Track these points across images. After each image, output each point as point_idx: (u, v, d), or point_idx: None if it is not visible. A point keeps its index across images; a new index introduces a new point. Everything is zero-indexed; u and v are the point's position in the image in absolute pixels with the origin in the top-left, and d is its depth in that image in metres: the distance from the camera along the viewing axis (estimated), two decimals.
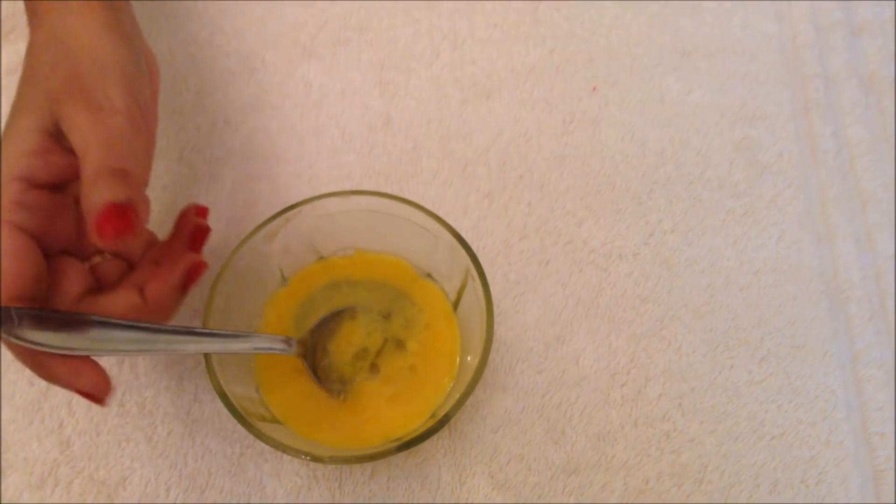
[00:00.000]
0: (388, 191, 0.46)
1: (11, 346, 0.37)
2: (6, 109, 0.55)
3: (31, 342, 0.36)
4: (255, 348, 0.43)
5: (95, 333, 0.37)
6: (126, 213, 0.36)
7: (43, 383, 0.47)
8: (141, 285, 0.40)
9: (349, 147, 0.54)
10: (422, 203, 0.45)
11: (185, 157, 0.54)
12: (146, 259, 0.42)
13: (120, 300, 0.39)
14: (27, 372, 0.47)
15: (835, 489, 0.45)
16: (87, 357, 0.38)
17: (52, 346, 0.36)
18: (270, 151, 0.54)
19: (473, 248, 0.44)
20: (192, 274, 0.42)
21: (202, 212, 0.45)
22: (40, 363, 0.37)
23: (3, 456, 0.46)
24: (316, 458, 0.40)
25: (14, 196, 0.37)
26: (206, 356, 0.41)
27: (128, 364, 0.48)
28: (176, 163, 0.54)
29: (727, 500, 0.45)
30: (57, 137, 0.38)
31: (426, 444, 0.46)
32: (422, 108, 0.55)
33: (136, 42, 0.43)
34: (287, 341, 0.44)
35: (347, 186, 0.48)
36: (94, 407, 0.47)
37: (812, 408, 0.47)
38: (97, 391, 0.38)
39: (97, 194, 0.36)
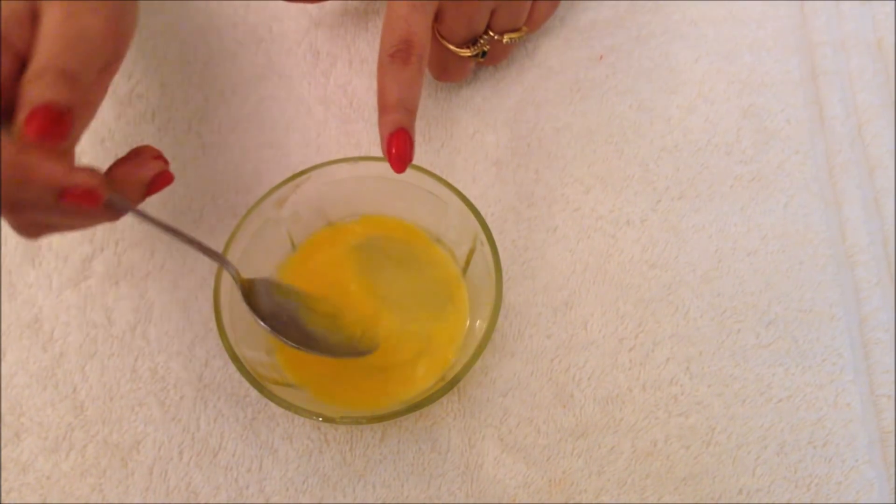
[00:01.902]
0: None
1: None
2: None
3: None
4: (201, 249, 0.41)
5: None
6: (61, 119, 0.34)
7: (57, 348, 0.48)
8: (110, 168, 0.39)
9: (357, 115, 0.54)
10: (430, 170, 0.45)
11: (194, 127, 0.54)
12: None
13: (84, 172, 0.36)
14: (41, 337, 0.47)
15: (842, 450, 0.45)
16: None
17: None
18: (279, 121, 0.54)
19: (482, 214, 0.44)
20: (160, 179, 0.40)
21: (161, 158, 0.42)
22: (25, 163, 0.33)
23: (18, 421, 0.47)
24: (327, 419, 0.41)
25: None
26: (219, 321, 0.42)
27: (139, 330, 0.48)
28: (185, 133, 0.54)
29: (735, 462, 0.45)
30: (34, 17, 0.36)
31: (436, 407, 0.46)
32: (429, 75, 0.55)
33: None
34: (232, 267, 0.43)
35: (356, 154, 0.48)
36: (107, 373, 0.47)
37: (819, 371, 0.47)
38: (94, 185, 0.35)
39: (38, 90, 0.34)
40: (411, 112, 0.43)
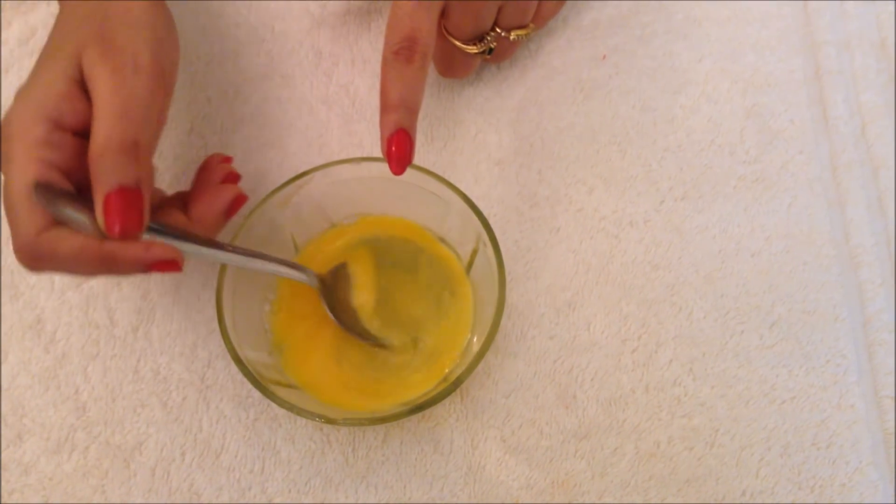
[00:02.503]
0: None
1: (80, 252, 0.37)
2: (15, 80, 0.55)
3: (68, 218, 0.37)
4: (276, 271, 0.44)
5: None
6: (133, 202, 0.37)
7: (59, 349, 0.48)
8: (188, 207, 0.42)
9: (360, 115, 0.54)
10: (433, 170, 0.45)
11: (196, 127, 0.54)
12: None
13: (167, 217, 0.41)
14: (43, 338, 0.47)
15: (846, 452, 0.45)
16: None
17: (85, 225, 0.37)
18: (281, 121, 0.54)
19: (484, 215, 0.44)
20: (236, 204, 0.44)
21: (228, 160, 0.46)
22: (110, 253, 0.37)
23: (20, 422, 0.47)
24: (329, 421, 0.41)
25: (42, 135, 0.37)
26: (221, 322, 0.42)
27: (142, 331, 0.48)
28: (187, 134, 0.54)
29: (738, 464, 0.45)
30: (82, 86, 0.39)
31: (439, 408, 0.46)
32: (432, 76, 0.55)
33: (166, 6, 0.44)
34: (308, 272, 0.45)
35: (358, 154, 0.48)
36: (109, 374, 0.47)
37: (823, 372, 0.47)
38: (175, 256, 0.39)
39: (106, 170, 0.37)
40: (413, 111, 0.43)
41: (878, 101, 0.54)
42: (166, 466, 0.46)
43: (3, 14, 0.57)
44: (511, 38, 0.50)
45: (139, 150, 0.37)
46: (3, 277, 0.50)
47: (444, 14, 0.46)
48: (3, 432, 0.46)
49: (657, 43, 0.56)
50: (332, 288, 0.47)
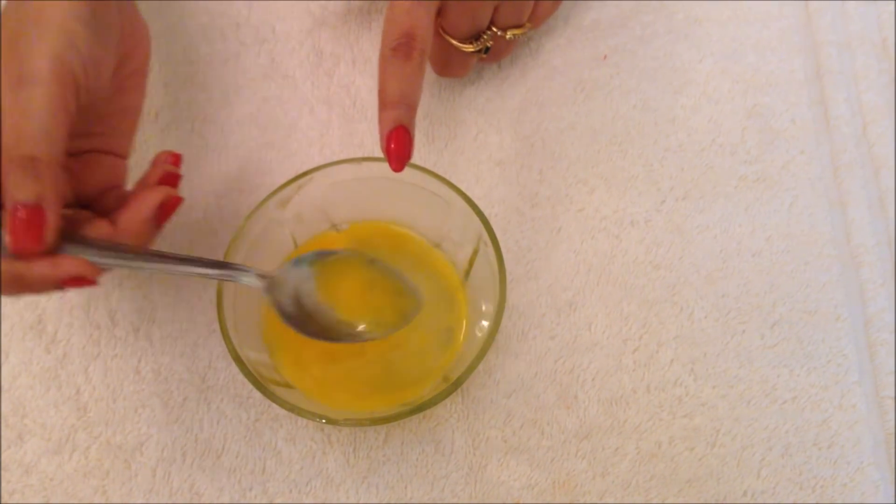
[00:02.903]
0: None
1: None
2: None
3: None
4: (208, 274, 0.41)
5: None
6: (32, 225, 0.35)
7: (60, 350, 0.48)
8: (113, 217, 0.40)
9: (361, 116, 0.54)
10: (434, 171, 0.45)
11: (197, 128, 0.54)
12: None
13: (92, 229, 0.39)
14: (44, 338, 0.47)
15: (847, 452, 0.45)
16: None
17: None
18: (282, 121, 0.54)
19: (485, 215, 0.44)
20: (166, 208, 0.41)
21: (175, 159, 0.44)
22: (16, 273, 0.36)
23: (21, 422, 0.47)
24: (330, 421, 0.41)
25: None
26: (222, 323, 0.42)
27: (143, 331, 0.48)
28: (188, 133, 0.54)
29: (739, 464, 0.45)
30: None
31: (440, 408, 0.46)
32: (432, 76, 0.55)
33: (108, 3, 0.41)
34: (248, 272, 0.42)
35: (359, 154, 0.48)
36: (111, 374, 0.47)
37: (824, 372, 0.47)
38: (86, 271, 0.37)
39: (8, 189, 0.35)
40: (412, 108, 0.43)
41: (879, 101, 0.54)
42: (167, 467, 0.46)
43: (2, 11, 0.57)
44: (507, 37, 0.50)
45: (37, 165, 0.36)
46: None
47: (440, 13, 0.46)
48: (3, 432, 0.46)
49: (658, 43, 0.56)
50: (286, 285, 0.44)
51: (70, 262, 0.37)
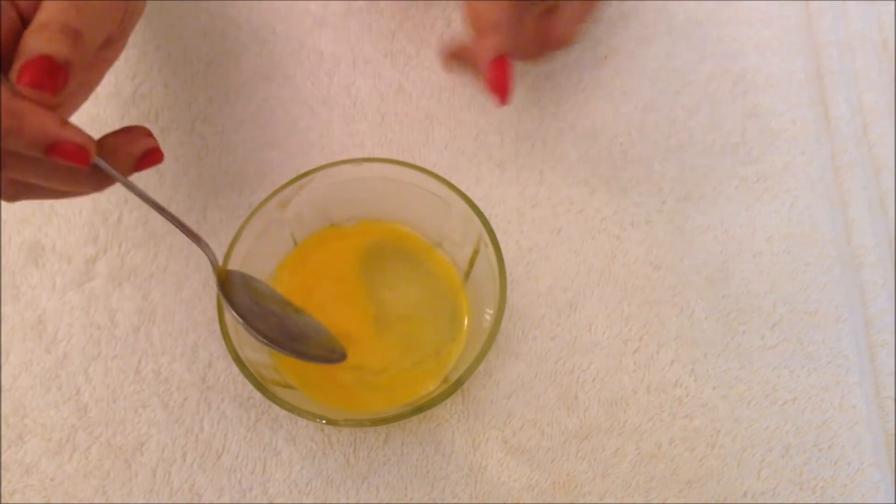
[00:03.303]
0: (401, 159, 0.46)
1: None
2: None
3: None
4: (187, 232, 0.41)
5: None
6: (57, 72, 0.33)
7: (60, 350, 0.48)
8: (101, 139, 0.38)
9: (361, 116, 0.54)
10: (434, 171, 0.45)
11: (197, 128, 0.54)
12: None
13: (73, 128, 0.35)
14: (44, 339, 0.47)
15: (847, 453, 0.45)
16: None
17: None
18: (282, 121, 0.54)
19: (486, 215, 0.44)
20: (151, 156, 0.39)
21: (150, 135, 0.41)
22: (18, 109, 0.33)
23: (22, 422, 0.47)
24: (330, 422, 0.41)
25: None
26: (222, 323, 0.42)
27: (143, 332, 0.48)
28: (188, 134, 0.54)
29: (740, 464, 0.45)
30: None
31: (440, 409, 0.46)
32: (433, 77, 0.55)
33: None
34: (205, 247, 0.42)
35: (360, 155, 0.48)
36: (111, 374, 0.47)
37: (825, 373, 0.47)
38: (85, 141, 0.34)
39: (38, 41, 0.33)
40: (512, 37, 0.40)
41: (879, 101, 0.54)
42: (167, 467, 0.46)
43: (2, 11, 0.57)
44: None
45: (79, 39, 0.34)
46: (3, 278, 0.50)
47: None
48: (4, 433, 0.46)
49: (659, 43, 0.56)
50: (236, 286, 0.43)
51: (75, 130, 0.34)
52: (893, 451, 0.45)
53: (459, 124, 0.54)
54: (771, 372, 0.47)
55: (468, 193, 0.45)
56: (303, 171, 0.46)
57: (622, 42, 0.56)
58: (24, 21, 0.35)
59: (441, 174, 0.45)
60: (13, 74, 0.33)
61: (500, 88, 0.40)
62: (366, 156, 0.47)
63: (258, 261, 0.45)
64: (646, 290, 0.49)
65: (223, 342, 0.41)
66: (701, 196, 0.51)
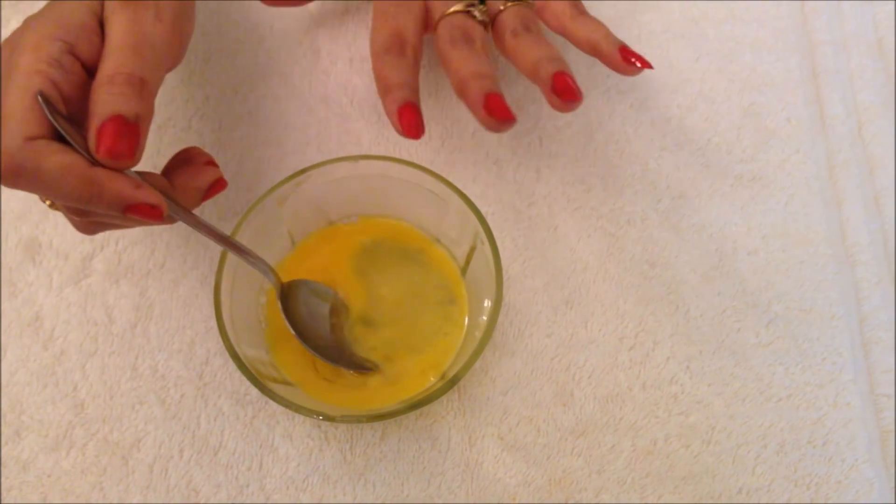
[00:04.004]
0: (397, 157, 0.46)
1: (64, 170, 0.35)
2: None
3: (65, 131, 0.35)
4: (247, 257, 0.43)
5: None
6: (129, 134, 0.35)
7: (57, 347, 0.48)
8: (170, 178, 0.40)
9: (358, 114, 0.54)
10: (430, 169, 0.45)
11: (194, 125, 0.54)
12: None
13: (150, 178, 0.39)
14: (41, 335, 0.47)
15: (842, 449, 0.45)
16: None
17: (80, 146, 0.35)
18: (279, 119, 0.54)
19: (482, 213, 0.44)
20: (216, 186, 0.42)
21: (213, 162, 0.44)
22: (96, 178, 0.35)
23: (18, 419, 0.47)
24: (328, 418, 0.41)
25: (55, 53, 0.36)
26: (219, 319, 0.42)
27: (140, 328, 0.48)
28: (184, 131, 0.54)
29: (734, 461, 0.45)
30: (101, 24, 0.38)
31: (436, 406, 0.46)
32: (430, 74, 0.55)
33: None
34: (272, 273, 0.44)
35: (356, 153, 0.48)
36: (108, 371, 0.48)
37: (819, 370, 0.47)
38: (159, 201, 0.37)
39: (109, 99, 0.35)
40: (415, 91, 0.43)
41: (874, 100, 0.54)
42: (164, 463, 0.46)
43: (2, 12, 0.57)
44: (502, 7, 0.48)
45: (145, 88, 0.36)
46: (1, 275, 0.50)
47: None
48: (1, 429, 0.46)
49: (655, 42, 0.56)
50: (295, 298, 0.46)
51: (150, 190, 0.37)
52: (887, 448, 0.45)
53: (456, 122, 0.54)
54: (766, 369, 0.47)
55: (465, 191, 0.45)
56: (300, 168, 0.46)
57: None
58: (89, 70, 0.37)
59: (438, 172, 0.45)
60: (90, 139, 0.35)
61: (410, 127, 0.43)
62: (363, 153, 0.47)
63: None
64: (641, 288, 0.49)
65: (220, 339, 0.41)
66: (696, 194, 0.52)
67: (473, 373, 0.47)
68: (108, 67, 0.36)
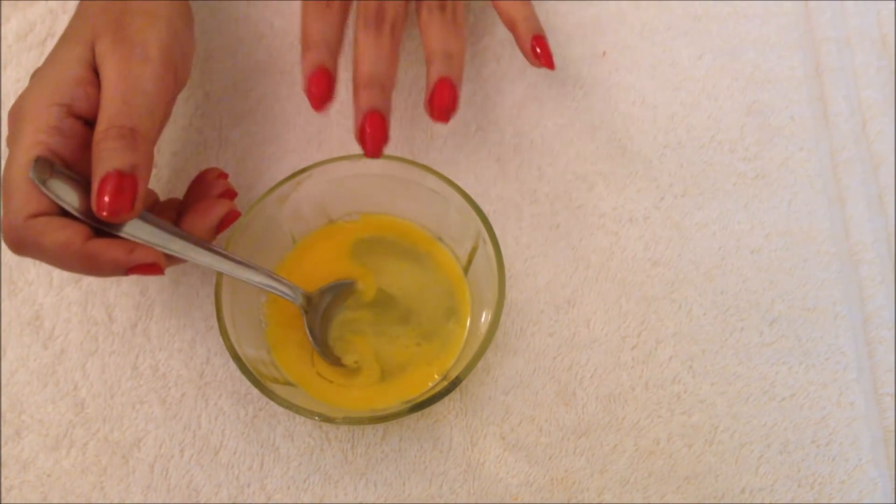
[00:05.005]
0: (399, 155, 0.46)
1: (62, 248, 0.37)
2: (14, 75, 0.55)
3: (59, 196, 0.37)
4: (262, 283, 0.43)
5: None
6: (127, 187, 0.37)
7: (58, 346, 0.48)
8: (180, 216, 0.42)
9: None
10: (432, 167, 0.45)
11: (195, 123, 0.54)
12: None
13: (160, 215, 0.41)
14: (41, 334, 0.47)
15: (845, 449, 0.45)
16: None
17: (74, 207, 0.37)
18: (280, 117, 0.54)
19: (484, 212, 0.44)
20: (227, 220, 0.43)
21: (224, 176, 0.46)
22: (92, 252, 0.37)
23: (19, 418, 0.47)
24: (328, 419, 0.41)
25: (53, 121, 0.38)
26: (220, 319, 0.42)
27: (140, 328, 0.48)
28: (184, 129, 0.54)
29: (738, 461, 0.45)
30: (96, 72, 0.40)
31: (438, 405, 0.46)
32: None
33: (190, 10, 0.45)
34: (294, 289, 0.44)
35: (358, 151, 0.48)
36: (108, 370, 0.47)
37: (823, 369, 0.47)
38: (155, 258, 0.39)
39: (105, 156, 0.37)
40: (333, 51, 0.43)
41: (878, 97, 0.54)
42: (165, 463, 0.45)
43: (1, 10, 0.57)
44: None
45: (136, 137, 0.38)
46: (1, 273, 0.50)
47: None
48: (1, 429, 0.46)
49: (657, 39, 0.56)
50: (319, 307, 0.46)
51: (144, 250, 0.39)
52: (891, 448, 0.45)
53: (458, 120, 0.54)
54: (769, 368, 0.47)
55: (466, 190, 0.44)
56: (300, 167, 0.46)
57: (620, 38, 0.56)
58: (89, 122, 0.39)
59: (439, 170, 0.45)
60: (92, 199, 0.37)
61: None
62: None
63: (257, 258, 0.45)
64: (644, 287, 0.49)
65: (221, 338, 0.41)
66: (699, 192, 0.51)
67: (475, 372, 0.47)
68: (101, 122, 0.38)
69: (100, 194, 0.37)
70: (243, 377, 0.41)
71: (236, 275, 0.42)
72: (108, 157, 0.37)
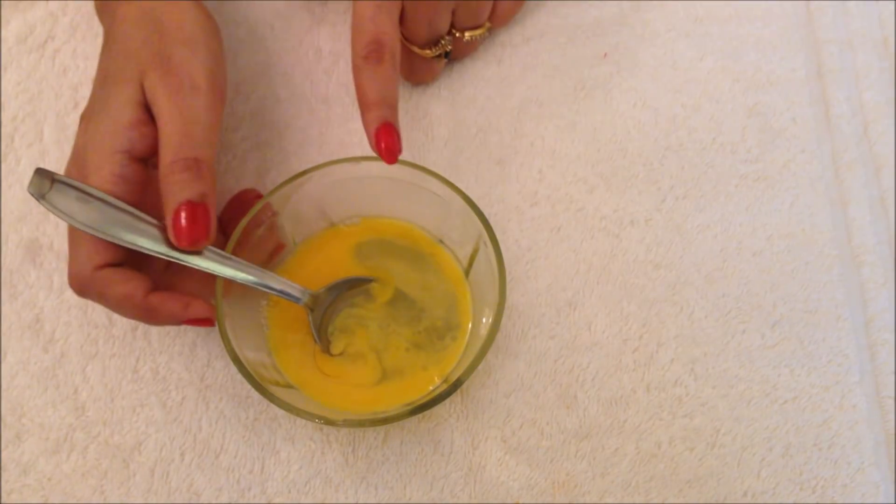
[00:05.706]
0: (399, 158, 0.46)
1: (124, 299, 0.39)
2: (14, 78, 0.55)
3: (59, 210, 0.38)
4: (268, 286, 0.43)
5: (125, 220, 0.39)
6: (201, 215, 0.39)
7: (58, 349, 0.48)
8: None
9: (359, 114, 0.54)
10: (433, 170, 0.45)
11: None
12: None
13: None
14: (42, 338, 0.47)
15: (847, 452, 0.45)
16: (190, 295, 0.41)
17: (76, 220, 0.38)
18: (280, 119, 0.54)
19: (485, 214, 0.44)
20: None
21: (259, 196, 0.47)
22: (151, 305, 0.40)
23: (19, 422, 0.46)
24: (329, 422, 0.40)
25: (117, 168, 0.39)
26: (220, 322, 0.41)
27: (141, 331, 0.48)
28: None
29: (740, 464, 0.45)
30: (148, 109, 0.41)
31: (439, 408, 0.46)
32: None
33: (211, 15, 0.46)
34: (301, 291, 0.45)
35: (358, 153, 0.48)
36: (108, 374, 0.47)
37: (825, 372, 0.47)
38: (208, 314, 0.41)
39: (175, 189, 0.39)
40: (393, 107, 0.44)
41: (880, 99, 0.54)
42: (165, 467, 0.45)
43: (2, 12, 0.57)
44: (466, 38, 0.51)
45: (201, 166, 0.40)
46: (1, 276, 0.50)
47: (400, 20, 0.47)
48: (2, 432, 0.46)
49: (659, 41, 0.56)
50: (325, 303, 0.46)
51: (199, 305, 0.41)
52: (894, 451, 0.45)
53: (459, 123, 0.54)
54: (771, 371, 0.47)
55: (467, 192, 0.44)
56: (301, 169, 0.46)
57: (622, 39, 0.56)
58: (146, 160, 0.41)
59: (440, 172, 0.45)
60: (168, 232, 0.39)
61: (389, 153, 0.43)
62: (364, 154, 0.46)
63: (257, 261, 0.45)
64: (645, 289, 0.49)
65: (221, 341, 0.41)
66: (701, 194, 0.51)
67: (476, 375, 0.47)
68: (165, 158, 0.39)
69: (175, 226, 0.39)
70: (244, 380, 0.41)
71: (239, 278, 0.42)
72: (178, 190, 0.39)
